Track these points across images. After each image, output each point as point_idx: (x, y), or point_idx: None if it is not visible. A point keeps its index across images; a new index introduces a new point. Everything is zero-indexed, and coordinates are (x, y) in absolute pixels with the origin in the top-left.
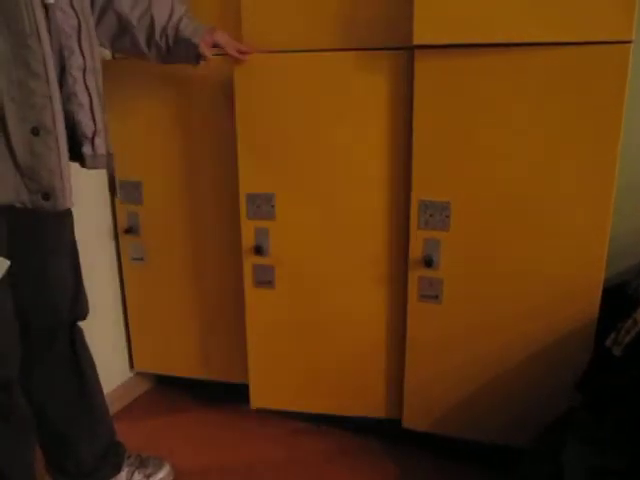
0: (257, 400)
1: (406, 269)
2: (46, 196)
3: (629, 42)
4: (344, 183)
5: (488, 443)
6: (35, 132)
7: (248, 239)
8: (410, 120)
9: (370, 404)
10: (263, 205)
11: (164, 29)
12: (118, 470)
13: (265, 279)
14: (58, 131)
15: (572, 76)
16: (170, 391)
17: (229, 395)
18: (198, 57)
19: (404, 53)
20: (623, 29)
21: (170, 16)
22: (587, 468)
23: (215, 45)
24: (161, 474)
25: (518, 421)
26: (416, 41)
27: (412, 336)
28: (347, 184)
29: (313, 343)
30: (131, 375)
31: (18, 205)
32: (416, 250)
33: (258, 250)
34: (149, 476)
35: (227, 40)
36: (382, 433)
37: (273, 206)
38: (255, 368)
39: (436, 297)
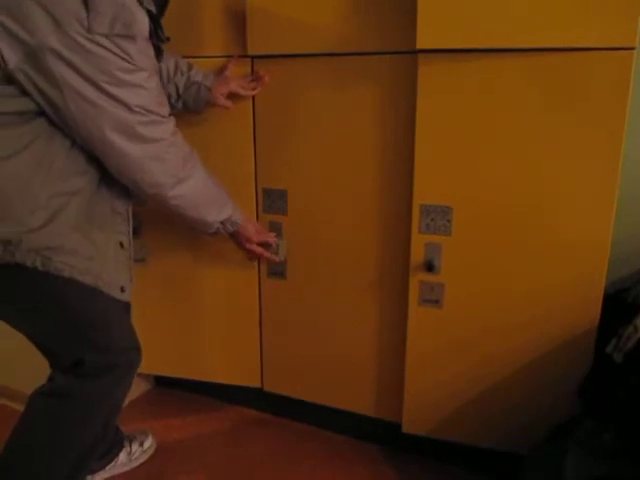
0: (269, 384)
1: (406, 273)
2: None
3: (632, 49)
4: (344, 185)
5: (489, 449)
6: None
7: None
8: (413, 123)
9: (369, 404)
10: (278, 200)
11: (172, 77)
12: (123, 446)
13: (277, 271)
14: None
15: (575, 82)
16: (169, 392)
17: (228, 397)
18: (207, 102)
19: (407, 57)
20: (627, 35)
21: (176, 65)
22: (588, 476)
23: (230, 94)
24: (149, 440)
25: (519, 428)
26: (419, 45)
27: (412, 340)
28: (346, 186)
29: (316, 340)
30: None
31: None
32: (417, 254)
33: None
34: (142, 443)
35: (242, 84)
36: (382, 438)
37: (286, 202)
38: (268, 354)
39: (437, 302)
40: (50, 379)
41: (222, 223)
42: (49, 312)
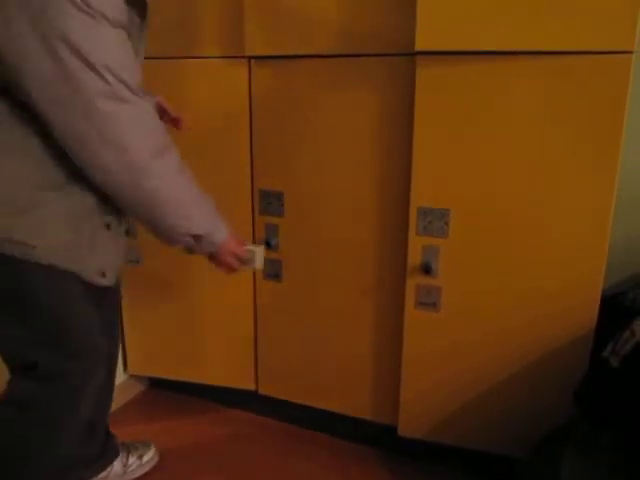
0: (264, 387)
1: (403, 276)
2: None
3: (630, 52)
4: (341, 187)
5: (485, 452)
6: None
7: (259, 234)
8: (410, 125)
9: (365, 407)
10: (274, 202)
11: None
12: (117, 454)
13: (273, 273)
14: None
15: (574, 85)
16: (163, 394)
17: (223, 399)
18: None
19: (405, 59)
20: (625, 39)
21: None
22: (584, 479)
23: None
24: (150, 453)
25: (515, 431)
26: (418, 47)
27: (409, 344)
28: (343, 188)
29: (312, 343)
30: (124, 378)
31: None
32: (414, 257)
33: (268, 244)
34: (141, 457)
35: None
36: (378, 441)
37: (282, 204)
38: (264, 356)
39: (434, 305)
40: (7, 384)
41: (195, 239)
42: (14, 304)
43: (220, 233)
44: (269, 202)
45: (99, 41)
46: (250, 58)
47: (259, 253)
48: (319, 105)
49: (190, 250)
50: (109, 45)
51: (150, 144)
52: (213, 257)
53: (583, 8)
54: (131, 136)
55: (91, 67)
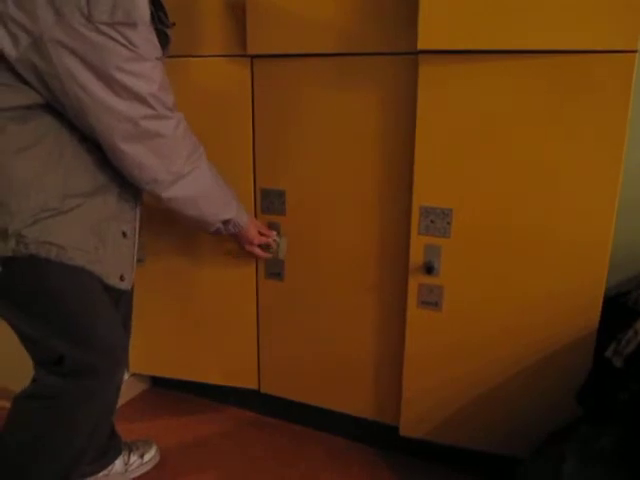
0: (266, 386)
1: (405, 275)
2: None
3: (634, 52)
4: (343, 186)
5: (487, 453)
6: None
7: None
8: (413, 124)
9: (366, 406)
10: (276, 201)
11: None
12: (119, 453)
13: (275, 272)
14: None
15: (577, 84)
16: (165, 393)
17: (225, 398)
18: None
19: (408, 58)
20: (629, 38)
21: None
22: None
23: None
24: (152, 452)
25: (518, 432)
26: (420, 46)
27: (411, 343)
28: (345, 187)
29: (314, 341)
30: (126, 376)
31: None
32: (416, 256)
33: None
34: (142, 455)
35: None
36: (379, 441)
37: (284, 203)
38: (265, 355)
39: (436, 304)
40: (33, 380)
41: (224, 223)
42: (45, 302)
43: (244, 217)
44: (271, 201)
45: (144, 74)
46: (253, 57)
47: (282, 244)
48: (322, 104)
49: (216, 232)
50: (152, 75)
51: (189, 146)
52: (237, 239)
53: (586, 7)
54: (174, 144)
55: (140, 98)
